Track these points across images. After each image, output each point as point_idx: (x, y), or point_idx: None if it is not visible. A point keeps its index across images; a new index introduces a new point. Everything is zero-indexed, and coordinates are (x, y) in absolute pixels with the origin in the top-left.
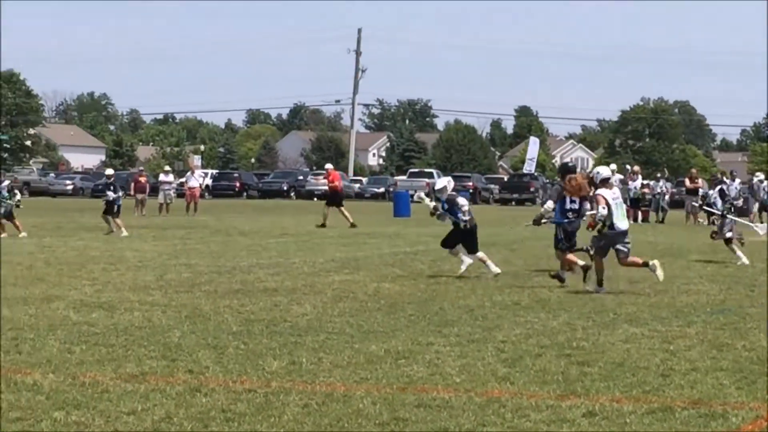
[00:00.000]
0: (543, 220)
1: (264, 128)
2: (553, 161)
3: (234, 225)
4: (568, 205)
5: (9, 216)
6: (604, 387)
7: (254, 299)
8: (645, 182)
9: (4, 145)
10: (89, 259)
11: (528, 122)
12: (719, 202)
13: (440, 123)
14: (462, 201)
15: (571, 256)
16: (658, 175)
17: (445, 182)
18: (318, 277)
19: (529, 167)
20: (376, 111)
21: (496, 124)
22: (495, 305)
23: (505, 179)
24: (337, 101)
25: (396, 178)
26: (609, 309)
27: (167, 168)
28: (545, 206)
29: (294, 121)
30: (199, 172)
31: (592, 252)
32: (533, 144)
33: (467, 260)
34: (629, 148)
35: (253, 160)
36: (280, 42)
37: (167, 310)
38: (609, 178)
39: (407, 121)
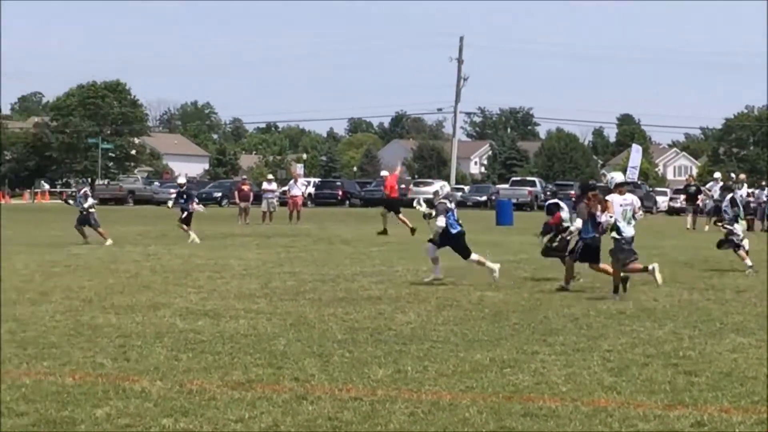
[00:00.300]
0: (568, 237)
1: (366, 137)
2: (656, 169)
3: (337, 233)
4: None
5: (89, 223)
6: (712, 397)
7: (358, 307)
8: (750, 191)
9: (110, 153)
10: (194, 267)
11: (630, 130)
12: (730, 210)
13: (542, 131)
14: (441, 222)
15: (604, 266)
16: (763, 183)
17: (437, 186)
18: (421, 286)
19: (631, 176)
20: (477, 119)
21: (598, 132)
22: (599, 314)
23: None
24: (439, 110)
25: (498, 186)
26: (715, 318)
27: (270, 176)
28: (575, 225)
29: (396, 129)
30: (301, 181)
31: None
32: (636, 152)
33: (438, 273)
34: (733, 156)
35: (355, 169)
36: (382, 50)
37: (272, 318)
38: (622, 184)
39: (509, 130)
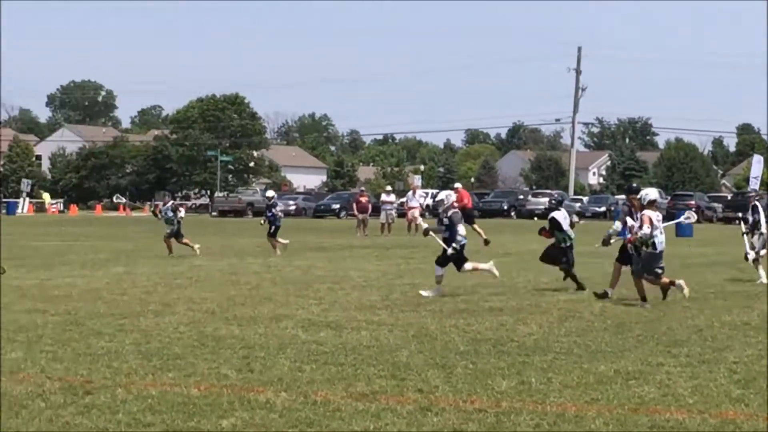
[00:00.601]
0: (611, 240)
1: (483, 148)
2: None
3: None
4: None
5: (178, 235)
6: None
7: (480, 318)
8: None
9: (229, 166)
10: (314, 279)
11: (751, 140)
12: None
13: (660, 141)
14: (461, 230)
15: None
16: None
17: (443, 196)
18: (543, 297)
19: (753, 185)
20: (595, 129)
21: (717, 142)
22: (724, 325)
23: (729, 198)
24: (557, 120)
25: (617, 197)
26: None
27: (388, 188)
28: (614, 227)
29: (513, 140)
30: (420, 192)
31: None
32: (757, 162)
33: (439, 290)
34: None
35: (472, 180)
36: (499, 61)
37: (394, 330)
38: (655, 200)
39: (627, 140)
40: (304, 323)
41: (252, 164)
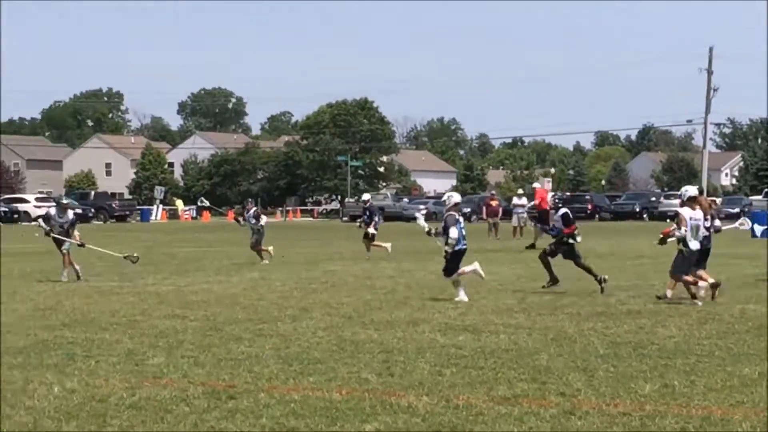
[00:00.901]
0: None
1: (613, 150)
2: None
3: (589, 247)
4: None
5: (257, 243)
6: None
7: (618, 321)
8: None
9: (359, 171)
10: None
11: None
12: None
13: None
14: (453, 233)
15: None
16: None
17: (445, 196)
18: (680, 300)
19: None
20: (727, 130)
21: None
22: None
23: None
24: (689, 121)
25: (751, 198)
26: None
27: (520, 191)
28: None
29: (643, 142)
30: (550, 195)
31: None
32: None
33: (464, 296)
34: None
35: (603, 182)
36: (628, 63)
37: (532, 333)
38: (696, 197)
39: (759, 140)
40: (441, 327)
41: (382, 169)
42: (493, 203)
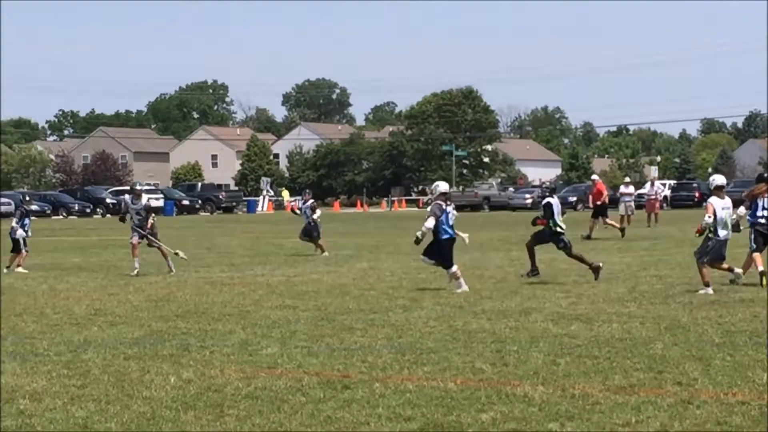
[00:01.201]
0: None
1: (720, 137)
2: None
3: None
4: (760, 211)
5: (308, 234)
6: None
7: (732, 310)
8: None
9: (464, 161)
10: (558, 272)
11: None
12: None
13: None
14: (429, 223)
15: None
16: None
17: (433, 186)
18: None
19: None
20: None
21: None
22: None
23: None
24: None
25: None
26: None
27: (627, 179)
28: (738, 210)
29: (750, 129)
30: (658, 183)
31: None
32: None
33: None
34: None
35: (709, 170)
36: (734, 50)
37: (645, 322)
38: (723, 186)
39: None
40: (553, 316)
41: (486, 159)
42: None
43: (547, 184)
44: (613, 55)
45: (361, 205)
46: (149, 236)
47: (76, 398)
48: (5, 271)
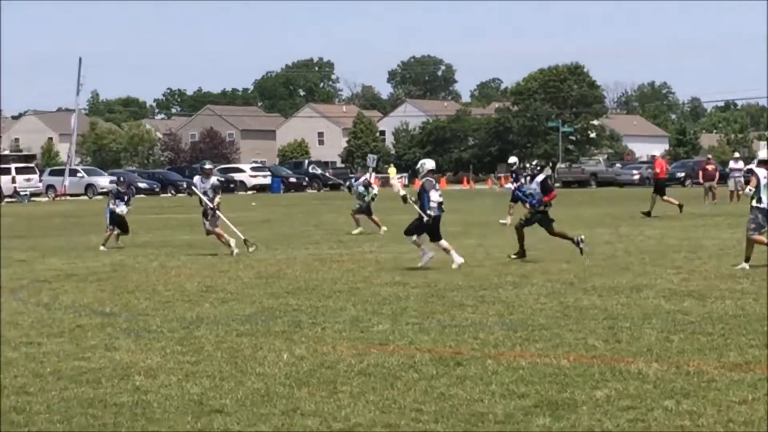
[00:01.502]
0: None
1: None
2: None
3: None
4: None
5: (368, 211)
6: None
7: None
8: None
9: (570, 137)
10: (668, 248)
11: None
12: None
13: None
14: (434, 196)
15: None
16: None
17: (419, 164)
18: None
19: None
20: None
21: None
22: None
23: None
24: None
25: None
26: None
27: (736, 155)
28: None
29: None
30: None
31: None
32: None
33: (429, 253)
34: None
35: None
36: None
37: (759, 299)
38: (766, 161)
39: None
40: (665, 293)
41: (593, 135)
42: (710, 167)
43: (535, 162)
44: (718, 29)
45: (468, 182)
46: (214, 215)
47: (190, 374)
48: (103, 248)
